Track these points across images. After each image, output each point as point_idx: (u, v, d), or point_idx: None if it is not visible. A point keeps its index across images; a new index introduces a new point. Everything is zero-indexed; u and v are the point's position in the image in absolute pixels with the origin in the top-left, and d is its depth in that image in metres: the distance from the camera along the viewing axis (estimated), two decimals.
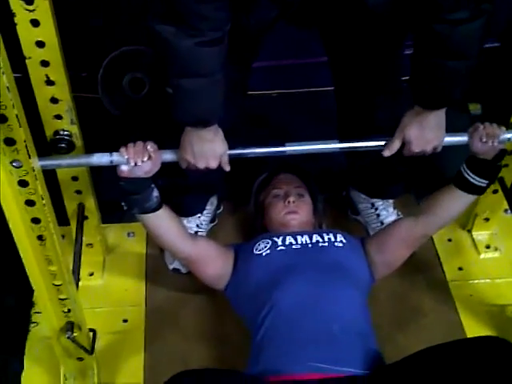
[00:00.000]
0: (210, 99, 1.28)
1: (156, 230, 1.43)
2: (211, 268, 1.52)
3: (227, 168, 1.39)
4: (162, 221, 1.42)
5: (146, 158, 1.30)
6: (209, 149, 1.35)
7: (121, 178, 1.32)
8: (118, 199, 1.36)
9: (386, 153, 1.40)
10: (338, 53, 1.55)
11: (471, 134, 1.37)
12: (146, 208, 1.36)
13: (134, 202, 1.35)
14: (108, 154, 1.31)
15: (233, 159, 1.39)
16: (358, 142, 1.42)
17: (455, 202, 1.45)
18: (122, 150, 1.30)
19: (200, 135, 1.33)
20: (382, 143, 1.41)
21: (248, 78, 1.59)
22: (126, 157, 1.30)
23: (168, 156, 1.37)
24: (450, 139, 1.39)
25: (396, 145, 1.38)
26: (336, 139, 1.46)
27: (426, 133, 1.35)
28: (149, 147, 1.31)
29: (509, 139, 1.38)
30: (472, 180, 1.40)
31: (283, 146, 1.40)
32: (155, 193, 1.36)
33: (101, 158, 1.32)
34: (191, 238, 1.50)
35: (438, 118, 1.34)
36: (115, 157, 1.31)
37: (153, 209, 1.37)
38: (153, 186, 1.36)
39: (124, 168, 1.31)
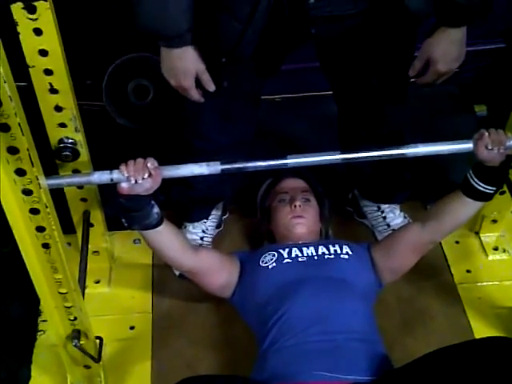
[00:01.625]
0: (172, 4, 1.24)
1: (157, 245, 1.42)
2: (215, 279, 1.52)
3: (211, 87, 1.37)
4: (163, 236, 1.41)
5: (146, 176, 1.29)
6: (179, 66, 1.33)
7: (121, 195, 1.31)
8: (119, 215, 1.36)
9: (411, 72, 1.38)
10: (342, 66, 1.52)
11: (476, 142, 1.34)
12: (147, 224, 1.36)
13: (134, 219, 1.35)
14: (108, 172, 1.31)
15: (235, 171, 1.38)
16: (361, 152, 1.39)
17: (463, 208, 1.43)
18: (122, 167, 1.29)
19: (168, 53, 1.32)
20: (387, 153, 1.39)
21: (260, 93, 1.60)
22: (126, 175, 1.28)
23: (168, 172, 1.35)
24: (455, 147, 1.37)
25: (419, 64, 1.36)
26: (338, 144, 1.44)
27: (453, 49, 1.33)
28: (149, 164, 1.30)
29: None
30: (479, 187, 1.38)
31: (285, 158, 1.39)
32: (155, 209, 1.35)
33: (101, 176, 1.32)
34: (194, 251, 1.48)
35: (463, 34, 1.32)
36: (115, 175, 1.30)
37: (153, 225, 1.36)
38: (153, 202, 1.35)
39: (124, 185, 1.30)
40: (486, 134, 1.33)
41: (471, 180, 1.38)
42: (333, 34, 1.39)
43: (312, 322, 1.35)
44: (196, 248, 1.52)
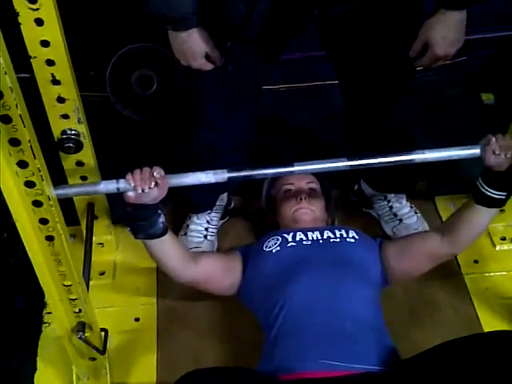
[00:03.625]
0: None
1: (159, 254, 1.42)
2: (219, 284, 1.53)
3: (218, 62, 1.38)
4: (166, 246, 1.40)
5: (152, 185, 1.29)
6: (187, 48, 1.34)
7: (128, 203, 1.31)
8: (125, 223, 1.36)
9: (411, 53, 1.37)
10: (349, 55, 1.51)
11: (484, 148, 1.34)
12: (152, 234, 1.36)
13: (140, 228, 1.35)
14: (115, 181, 1.31)
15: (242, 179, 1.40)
16: (367, 159, 1.40)
17: (477, 217, 1.41)
18: (129, 176, 1.29)
19: (175, 36, 1.33)
20: (394, 159, 1.40)
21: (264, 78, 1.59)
22: (133, 184, 1.28)
23: (175, 181, 1.35)
24: (462, 152, 1.37)
25: (418, 45, 1.35)
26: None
27: (451, 33, 1.31)
28: (155, 174, 1.29)
29: None
30: (490, 194, 1.36)
31: (291, 165, 1.39)
32: (161, 219, 1.35)
33: (107, 186, 1.32)
34: (194, 261, 1.47)
35: (462, 18, 1.30)
36: (122, 184, 1.30)
37: (158, 235, 1.36)
38: (159, 211, 1.35)
39: (131, 194, 1.30)
40: (493, 139, 1.32)
41: (481, 187, 1.37)
42: (336, 16, 1.37)
43: (318, 306, 1.35)
44: (196, 257, 1.50)
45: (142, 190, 1.28)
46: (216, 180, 1.37)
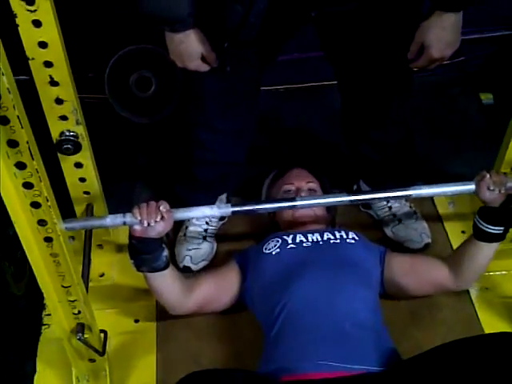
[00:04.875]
0: None
1: (159, 287, 1.44)
2: (217, 304, 1.56)
3: (213, 63, 1.38)
4: (167, 279, 1.43)
5: (158, 219, 1.31)
6: (183, 49, 1.35)
7: (133, 236, 1.33)
8: (129, 256, 1.38)
9: (408, 55, 1.37)
10: (346, 51, 1.51)
11: (478, 183, 1.38)
12: (155, 267, 1.38)
13: (144, 261, 1.37)
14: (121, 215, 1.34)
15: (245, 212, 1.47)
16: (367, 194, 1.49)
17: (480, 252, 1.45)
18: (135, 211, 1.31)
19: (171, 37, 1.33)
20: (392, 195, 1.45)
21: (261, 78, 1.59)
22: (139, 218, 1.31)
23: (180, 215, 1.39)
24: (458, 188, 1.43)
25: (415, 47, 1.35)
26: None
27: (447, 35, 1.31)
28: (161, 208, 1.32)
29: None
30: (488, 230, 1.40)
31: (294, 200, 1.47)
32: (165, 252, 1.37)
33: (114, 220, 1.35)
34: (191, 291, 1.49)
35: (458, 20, 1.30)
36: (128, 218, 1.33)
37: (161, 268, 1.38)
38: (163, 246, 1.37)
39: (137, 227, 1.32)
40: (488, 175, 1.36)
41: (479, 224, 1.41)
42: (333, 16, 1.37)
43: (318, 307, 1.35)
44: (193, 284, 1.52)
45: (148, 224, 1.30)
46: (220, 214, 1.45)
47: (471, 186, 1.40)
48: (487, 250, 1.44)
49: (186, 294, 1.48)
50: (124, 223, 1.34)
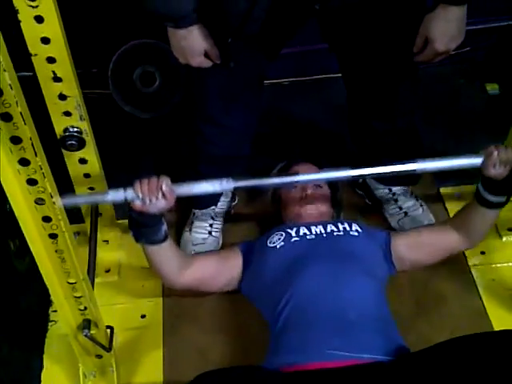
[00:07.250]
0: None
1: (157, 260, 1.43)
2: (213, 283, 1.55)
3: (216, 60, 1.37)
4: (165, 252, 1.42)
5: (159, 196, 1.30)
6: (185, 46, 1.34)
7: (133, 210, 1.32)
8: (128, 227, 1.38)
9: (414, 49, 1.37)
10: (352, 45, 1.50)
11: (485, 159, 1.36)
12: (154, 240, 1.38)
13: (143, 234, 1.37)
14: (122, 191, 1.32)
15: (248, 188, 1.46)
16: (370, 168, 1.43)
17: (482, 217, 1.46)
18: (137, 187, 1.30)
19: (174, 33, 1.32)
20: (396, 169, 1.42)
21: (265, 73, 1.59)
22: (140, 195, 1.29)
23: (182, 191, 1.36)
24: (464, 162, 1.40)
25: (419, 41, 1.34)
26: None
27: (451, 28, 1.30)
28: (163, 186, 1.30)
29: None
30: (490, 198, 1.41)
31: (296, 175, 1.47)
32: (164, 226, 1.37)
33: (115, 196, 1.33)
34: (188, 266, 1.49)
35: (462, 13, 1.29)
36: (129, 195, 1.31)
37: (159, 241, 1.38)
38: (163, 220, 1.36)
39: (138, 202, 1.31)
40: (495, 153, 1.34)
41: (482, 193, 1.41)
42: (338, 8, 1.36)
43: (322, 298, 1.35)
44: (191, 260, 1.52)
45: (150, 201, 1.29)
46: (222, 189, 1.40)
47: (478, 161, 1.37)
48: (489, 214, 1.45)
49: (185, 267, 1.48)
50: (125, 199, 1.31)
